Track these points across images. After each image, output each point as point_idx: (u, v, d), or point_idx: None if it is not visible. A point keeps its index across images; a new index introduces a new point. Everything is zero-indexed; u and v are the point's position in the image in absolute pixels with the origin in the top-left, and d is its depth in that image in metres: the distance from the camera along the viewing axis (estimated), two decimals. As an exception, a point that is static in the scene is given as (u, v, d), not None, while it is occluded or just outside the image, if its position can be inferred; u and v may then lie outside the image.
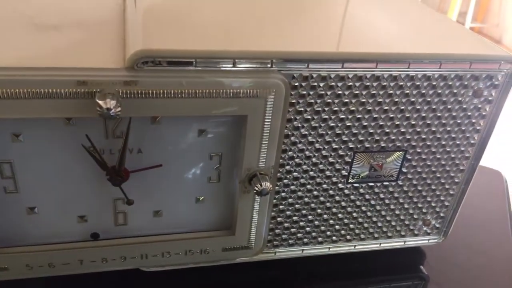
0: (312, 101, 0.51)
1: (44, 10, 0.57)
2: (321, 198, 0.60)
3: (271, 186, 0.52)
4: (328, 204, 0.60)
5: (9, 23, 0.53)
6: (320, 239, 0.64)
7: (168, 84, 0.45)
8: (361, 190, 0.61)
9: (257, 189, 0.52)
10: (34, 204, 0.52)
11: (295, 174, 0.56)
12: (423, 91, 0.54)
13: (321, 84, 0.50)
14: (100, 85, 0.44)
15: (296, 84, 0.50)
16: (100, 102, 0.42)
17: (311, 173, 0.57)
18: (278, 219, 0.60)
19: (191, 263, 0.61)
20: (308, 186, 0.58)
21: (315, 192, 0.59)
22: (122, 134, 0.49)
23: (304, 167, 0.56)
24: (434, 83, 0.53)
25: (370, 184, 0.60)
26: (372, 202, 0.62)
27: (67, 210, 0.54)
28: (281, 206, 0.59)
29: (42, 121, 0.47)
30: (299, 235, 0.62)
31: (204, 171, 0.55)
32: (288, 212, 0.60)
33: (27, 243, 0.54)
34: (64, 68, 0.43)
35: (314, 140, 0.54)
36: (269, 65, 0.48)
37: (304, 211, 0.60)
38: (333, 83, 0.51)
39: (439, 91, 0.54)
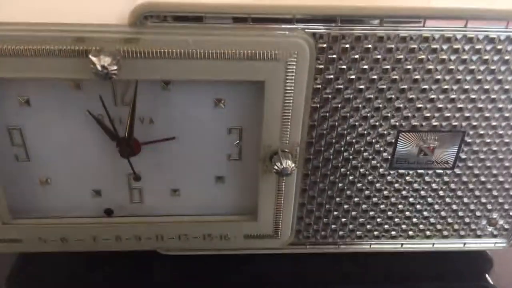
0: (344, 67, 0.43)
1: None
2: (358, 185, 0.51)
3: (293, 165, 0.45)
4: (367, 193, 0.52)
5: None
6: (359, 233, 0.55)
7: (173, 42, 0.40)
8: (408, 178, 0.51)
9: (277, 168, 0.45)
10: (47, 175, 0.50)
11: (325, 154, 0.49)
12: (486, 57, 0.43)
13: (355, 46, 0.42)
14: (99, 42, 0.40)
15: (324, 45, 0.42)
16: (94, 59, 0.38)
17: (345, 154, 0.49)
18: (308, 206, 0.53)
19: (212, 249, 0.55)
20: (342, 170, 0.50)
21: (350, 177, 0.51)
22: (131, 101, 0.45)
23: (337, 146, 0.48)
24: (500, 47, 0.43)
25: (419, 171, 0.51)
26: (422, 193, 0.53)
27: (82, 183, 0.51)
28: (310, 192, 0.52)
29: (49, 85, 0.44)
30: (333, 226, 0.55)
31: (222, 147, 0.49)
32: (319, 199, 0.52)
33: (40, 215, 0.52)
34: (61, 23, 0.40)
35: (347, 115, 0.46)
36: (290, 22, 0.41)
37: (338, 199, 0.52)
38: (369, 45, 0.42)
39: (507, 57, 0.44)
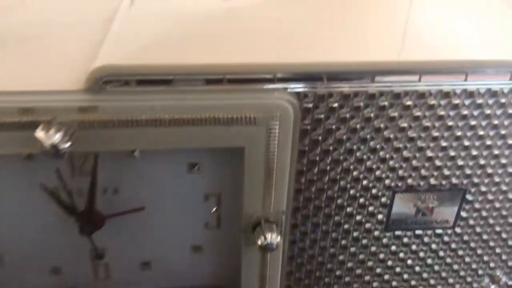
0: (333, 127, 0.39)
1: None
2: (352, 250, 0.46)
3: (279, 238, 0.40)
4: (361, 257, 0.47)
5: None
6: (353, 298, 0.50)
7: (137, 109, 0.35)
8: (405, 240, 0.47)
9: (261, 242, 0.40)
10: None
11: (314, 219, 0.44)
12: (488, 111, 0.39)
13: (344, 105, 0.38)
14: (49, 112, 0.34)
15: (310, 105, 0.37)
16: (41, 135, 0.32)
17: (336, 218, 0.44)
18: (297, 274, 0.47)
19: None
20: (333, 235, 0.45)
21: (343, 242, 0.46)
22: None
23: (326, 210, 0.43)
24: (503, 100, 0.39)
25: (418, 232, 0.46)
26: (421, 254, 0.48)
27: (38, 261, 0.45)
28: (299, 260, 0.46)
29: (-6, 157, 0.38)
30: (325, 294, 0.49)
31: (199, 214, 0.44)
32: (308, 267, 0.47)
33: (-9, 300, 0.46)
34: (4, 92, 0.34)
35: (337, 177, 0.41)
36: (271, 82, 0.36)
37: (329, 265, 0.47)
38: (360, 103, 0.38)
39: (511, 111, 0.40)
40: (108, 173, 0.40)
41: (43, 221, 0.42)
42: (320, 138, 0.39)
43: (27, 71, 0.38)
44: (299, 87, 0.37)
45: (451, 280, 0.50)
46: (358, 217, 0.44)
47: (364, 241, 0.46)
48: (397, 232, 0.46)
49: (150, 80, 0.35)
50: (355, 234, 0.45)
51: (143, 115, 0.35)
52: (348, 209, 0.44)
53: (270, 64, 0.36)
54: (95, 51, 0.39)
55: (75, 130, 0.34)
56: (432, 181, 0.43)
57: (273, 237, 0.39)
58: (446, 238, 0.47)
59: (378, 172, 0.42)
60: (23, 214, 0.42)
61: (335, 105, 0.38)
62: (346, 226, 0.45)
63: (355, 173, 0.41)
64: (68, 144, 0.33)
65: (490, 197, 0.45)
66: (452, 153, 0.41)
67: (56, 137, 0.32)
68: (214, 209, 0.44)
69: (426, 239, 0.47)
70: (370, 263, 0.48)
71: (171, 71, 0.35)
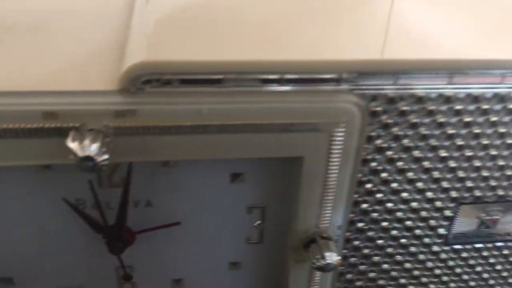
0: (401, 133, 0.34)
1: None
2: (406, 265, 0.42)
3: (339, 258, 0.35)
4: (415, 273, 0.43)
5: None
6: (401, 316, 0.46)
7: (181, 114, 0.30)
8: (464, 254, 0.42)
9: (317, 262, 0.35)
10: (8, 274, 0.38)
11: (369, 233, 0.39)
12: None
13: (415, 108, 0.33)
14: (78, 117, 0.29)
15: (377, 109, 0.33)
16: (73, 146, 0.27)
17: (394, 232, 0.39)
18: (343, 292, 0.43)
19: None
20: (389, 250, 0.40)
21: (397, 257, 0.41)
22: (122, 181, 0.34)
23: (384, 224, 0.39)
24: None
25: (477, 245, 0.42)
26: (478, 268, 0.44)
27: (55, 280, 0.40)
28: (348, 275, 0.42)
29: (7, 167, 0.33)
30: (373, 311, 0.45)
31: (240, 228, 0.39)
32: (358, 283, 0.42)
33: (3, 324, 0.41)
34: (25, 92, 0.29)
35: (400, 188, 0.37)
36: (336, 82, 0.31)
37: (381, 282, 0.43)
38: (433, 107, 0.33)
39: None
40: (141, 184, 0.35)
41: (61, 238, 0.37)
42: (385, 145, 0.34)
43: (47, 69, 0.32)
44: (367, 88, 0.32)
45: (507, 295, 0.46)
46: (417, 231, 0.40)
47: (421, 256, 0.42)
48: (456, 246, 0.42)
49: (196, 80, 0.30)
50: (412, 249, 0.41)
51: (188, 120, 0.30)
52: (407, 223, 0.39)
53: (335, 62, 0.31)
54: (118, 46, 0.34)
55: (110, 139, 0.29)
56: (500, 191, 0.39)
57: (332, 257, 0.35)
58: (505, 251, 0.43)
59: (444, 183, 0.37)
60: (39, 230, 0.37)
61: (405, 108, 0.33)
62: (403, 241, 0.40)
63: (419, 183, 0.37)
64: (106, 156, 0.27)
65: (562, 208, 0.40)
66: (527, 162, 0.37)
67: (92, 148, 0.27)
68: (258, 222, 0.39)
69: (484, 253, 0.43)
70: (424, 279, 0.43)
71: (221, 69, 0.30)
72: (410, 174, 0.36)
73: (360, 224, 0.38)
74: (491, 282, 0.45)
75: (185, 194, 0.36)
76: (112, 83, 0.30)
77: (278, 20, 0.36)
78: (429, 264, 0.42)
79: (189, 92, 0.30)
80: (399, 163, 0.35)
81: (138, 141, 0.30)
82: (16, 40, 0.35)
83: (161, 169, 0.35)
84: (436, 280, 0.44)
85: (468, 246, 0.42)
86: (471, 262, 0.43)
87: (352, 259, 0.41)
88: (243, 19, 0.36)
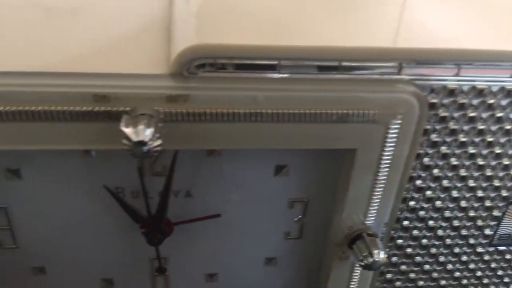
0: (457, 127, 0.33)
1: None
2: (448, 266, 0.40)
3: (386, 256, 0.34)
4: (457, 274, 0.41)
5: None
6: (438, 317, 0.45)
7: (235, 100, 0.28)
8: (508, 256, 0.41)
9: (363, 260, 0.34)
10: (41, 263, 0.37)
11: (414, 232, 0.38)
12: None
13: (475, 102, 0.32)
14: (129, 101, 0.27)
15: (435, 101, 0.31)
16: (127, 130, 0.25)
17: (439, 231, 0.38)
18: (382, 291, 0.41)
19: None
20: (432, 250, 0.39)
21: (440, 258, 0.40)
22: (164, 170, 0.33)
23: (430, 223, 0.37)
24: None
25: (523, 247, 0.41)
26: (521, 271, 0.42)
27: (88, 271, 0.38)
28: (388, 275, 0.40)
29: (47, 152, 0.32)
30: (410, 313, 0.43)
31: (280, 223, 0.38)
32: (397, 283, 0.41)
33: (33, 314, 0.39)
34: (75, 74, 0.27)
35: (450, 185, 0.35)
36: (395, 72, 0.30)
37: (421, 282, 0.41)
38: (492, 100, 0.32)
39: None
40: (182, 174, 0.34)
41: (94, 227, 0.36)
42: (440, 139, 0.33)
43: (92, 51, 0.31)
44: (427, 79, 0.30)
45: (548, 300, 0.45)
46: (464, 231, 0.38)
47: (464, 257, 0.40)
48: (501, 248, 0.40)
49: (251, 65, 0.28)
50: (456, 249, 0.39)
51: (242, 107, 0.28)
52: (454, 222, 0.38)
53: (395, 50, 0.29)
54: (162, 27, 0.33)
55: (160, 125, 0.27)
56: (552, 192, 0.37)
57: (379, 255, 0.33)
58: (551, 254, 0.42)
59: (496, 181, 0.36)
60: (71, 220, 0.35)
61: (464, 101, 0.31)
62: (448, 241, 0.39)
63: (471, 181, 0.35)
64: (159, 142, 0.26)
65: None
66: None
67: (146, 133, 0.25)
68: (299, 217, 0.37)
69: (530, 255, 0.41)
70: (465, 281, 0.42)
71: (278, 54, 0.28)
72: (462, 171, 0.35)
73: (405, 222, 0.37)
74: (532, 285, 0.44)
75: (226, 185, 0.35)
76: (160, 66, 0.29)
77: (336, 7, 0.34)
78: (472, 266, 0.41)
79: (243, 78, 0.29)
80: (453, 159, 0.34)
81: (188, 128, 0.29)
82: (57, 22, 0.34)
83: (204, 159, 0.34)
84: (477, 282, 0.42)
85: (512, 248, 0.41)
86: (515, 264, 0.42)
87: (394, 258, 0.39)
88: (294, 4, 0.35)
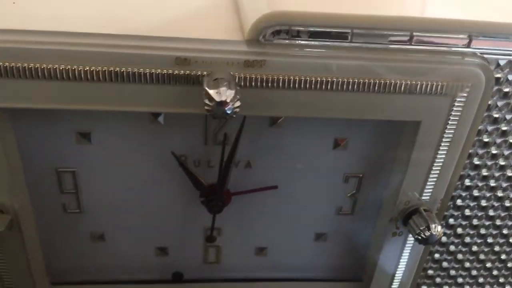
0: (518, 104, 0.33)
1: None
2: (496, 248, 0.41)
3: (442, 231, 0.34)
4: (503, 256, 0.42)
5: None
6: (481, 301, 0.45)
7: (309, 67, 0.29)
8: (557, 240, 0.41)
9: (421, 233, 0.34)
10: (102, 229, 0.38)
11: (467, 211, 0.38)
12: None
13: (539, 79, 0.32)
14: (208, 65, 0.28)
15: (500, 75, 0.32)
16: (211, 91, 0.26)
17: (491, 211, 0.38)
18: (429, 271, 0.42)
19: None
20: (482, 231, 0.39)
21: (489, 240, 0.40)
22: (227, 139, 0.34)
23: (483, 202, 0.38)
24: None
25: None
26: None
27: (144, 239, 0.40)
28: (436, 255, 0.41)
29: (118, 117, 0.33)
30: (454, 296, 0.44)
31: (333, 198, 0.38)
32: (444, 264, 0.41)
33: (90, 279, 0.40)
34: (157, 37, 0.29)
35: (506, 164, 0.36)
36: (464, 43, 0.30)
37: (467, 264, 0.42)
38: (557, 78, 0.32)
39: None
40: (244, 144, 0.34)
41: (155, 195, 0.37)
42: (500, 115, 0.33)
43: (168, 17, 0.32)
44: (496, 53, 0.31)
45: None
46: (516, 212, 0.39)
47: (513, 239, 0.40)
48: (551, 231, 0.41)
49: (325, 33, 0.29)
50: (505, 231, 0.40)
51: (315, 75, 0.29)
52: (507, 203, 0.38)
53: (466, 22, 0.30)
54: (229, 1, 0.34)
55: (238, 89, 0.28)
56: None
57: (437, 229, 0.34)
58: None
59: (552, 161, 0.36)
60: (135, 187, 0.36)
61: (529, 78, 0.32)
62: (498, 222, 0.39)
63: (527, 160, 0.36)
64: (239, 103, 0.27)
65: None
66: None
67: (228, 93, 0.26)
68: (352, 192, 0.38)
69: None
70: (510, 264, 0.42)
71: (350, 23, 0.29)
72: (520, 150, 0.35)
73: (458, 201, 0.38)
74: None
75: (285, 157, 0.36)
76: (235, 34, 0.30)
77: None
78: (521, 248, 0.41)
79: (318, 45, 0.29)
80: (511, 137, 0.34)
81: (261, 94, 0.29)
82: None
83: (266, 129, 0.34)
84: (523, 266, 0.43)
85: (562, 232, 0.41)
86: (562, 249, 0.42)
87: (443, 238, 0.40)
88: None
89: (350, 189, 0.38)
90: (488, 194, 0.37)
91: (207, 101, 0.26)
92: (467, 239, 0.40)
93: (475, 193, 0.37)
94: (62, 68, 0.28)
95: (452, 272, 0.42)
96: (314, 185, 0.37)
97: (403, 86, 0.30)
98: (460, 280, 0.43)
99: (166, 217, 0.39)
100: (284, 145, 0.35)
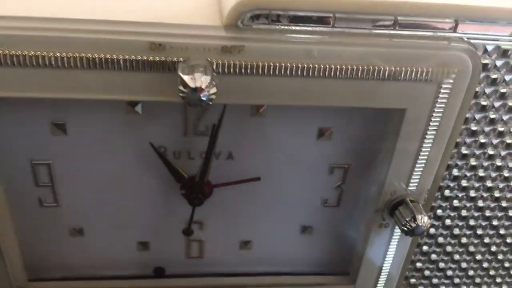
0: (506, 91, 0.32)
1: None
2: (486, 240, 0.40)
3: (429, 222, 0.33)
4: (493, 249, 0.41)
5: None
6: (471, 294, 0.44)
7: (289, 53, 0.28)
8: (548, 230, 0.41)
9: (407, 224, 0.33)
10: (80, 224, 0.37)
11: (455, 202, 0.37)
12: None
13: (527, 65, 0.31)
14: (184, 51, 0.27)
15: (487, 61, 0.31)
16: (186, 77, 0.25)
17: (480, 202, 0.38)
18: (417, 264, 0.41)
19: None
20: (471, 222, 0.39)
21: (478, 231, 0.39)
22: (207, 130, 0.33)
23: (472, 193, 0.37)
24: None
25: (562, 222, 0.40)
26: (558, 248, 0.42)
27: (125, 234, 0.38)
28: (424, 247, 0.40)
29: (94, 107, 0.32)
30: None
31: (318, 189, 0.37)
32: (433, 256, 0.41)
33: (69, 275, 0.39)
34: (130, 23, 0.27)
35: (495, 153, 0.35)
36: (450, 27, 0.29)
37: (457, 256, 0.41)
38: (546, 64, 0.31)
39: None
40: (226, 135, 0.33)
41: (134, 188, 0.36)
42: (488, 103, 0.33)
43: (144, 4, 0.31)
44: (482, 38, 0.30)
45: None
46: (504, 203, 0.38)
47: (502, 231, 0.40)
48: (541, 222, 0.40)
49: (306, 17, 0.28)
50: (495, 222, 0.39)
51: (296, 60, 0.28)
52: (496, 194, 0.37)
53: (451, 6, 0.29)
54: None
55: (215, 75, 0.27)
56: None
57: (423, 220, 0.33)
58: None
59: (542, 150, 0.35)
60: (113, 179, 0.35)
61: (516, 64, 0.31)
62: (487, 213, 0.38)
63: (516, 149, 0.35)
64: (214, 90, 0.26)
65: None
66: None
67: (203, 79, 0.25)
68: (338, 184, 0.37)
69: None
70: (507, 264, 0.42)
71: (333, 8, 0.28)
72: (509, 138, 0.34)
73: (446, 192, 0.37)
74: None
75: (268, 147, 0.35)
76: (213, 19, 0.29)
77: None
78: (509, 240, 0.40)
79: (298, 31, 0.28)
80: (499, 125, 0.34)
81: (240, 80, 0.28)
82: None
83: (248, 119, 0.33)
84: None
85: (552, 223, 0.40)
86: (552, 240, 0.41)
87: (432, 229, 0.39)
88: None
89: (335, 180, 0.37)
90: (477, 184, 0.37)
91: (181, 88, 0.25)
92: (456, 231, 0.39)
93: (464, 183, 0.36)
94: (32, 55, 0.27)
95: (441, 265, 0.41)
96: (298, 177, 0.36)
97: (387, 72, 0.29)
98: (449, 272, 0.42)
99: (147, 211, 0.37)
100: (267, 135, 0.34)
